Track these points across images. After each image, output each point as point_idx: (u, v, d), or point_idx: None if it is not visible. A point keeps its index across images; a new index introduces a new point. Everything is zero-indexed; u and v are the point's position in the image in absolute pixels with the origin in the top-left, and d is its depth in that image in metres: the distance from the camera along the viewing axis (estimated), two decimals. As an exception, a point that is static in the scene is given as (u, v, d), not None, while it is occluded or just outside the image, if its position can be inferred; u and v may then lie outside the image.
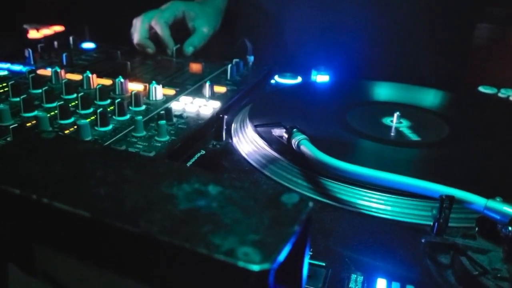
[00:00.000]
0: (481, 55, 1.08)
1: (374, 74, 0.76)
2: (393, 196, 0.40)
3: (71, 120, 0.54)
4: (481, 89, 0.69)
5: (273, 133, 0.50)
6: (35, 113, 0.54)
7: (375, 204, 0.41)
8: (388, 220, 0.39)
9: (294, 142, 0.45)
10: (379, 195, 0.41)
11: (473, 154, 0.50)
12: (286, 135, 0.48)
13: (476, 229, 0.35)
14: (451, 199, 0.34)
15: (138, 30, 0.82)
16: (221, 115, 0.54)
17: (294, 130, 0.46)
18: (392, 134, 0.55)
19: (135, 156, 0.24)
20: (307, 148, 0.43)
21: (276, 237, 0.18)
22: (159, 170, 0.22)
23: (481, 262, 0.33)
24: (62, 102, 0.54)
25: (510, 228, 0.32)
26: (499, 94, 0.67)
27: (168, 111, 0.55)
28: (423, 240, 0.35)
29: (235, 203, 0.20)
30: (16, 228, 0.20)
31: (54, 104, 0.57)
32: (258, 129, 0.51)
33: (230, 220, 0.19)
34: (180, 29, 0.85)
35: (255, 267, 0.16)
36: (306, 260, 0.21)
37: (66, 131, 0.51)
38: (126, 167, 0.22)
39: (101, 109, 0.53)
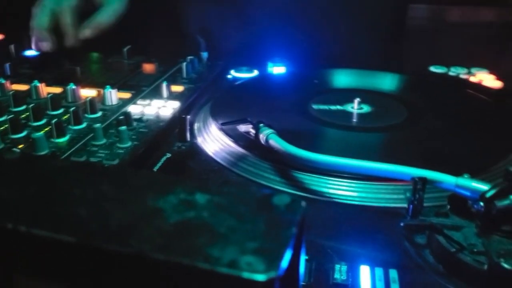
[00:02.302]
0: (424, 36, 1.12)
1: (327, 62, 0.77)
2: (365, 182, 0.41)
3: (24, 133, 0.51)
4: (432, 68, 0.71)
5: (239, 130, 0.50)
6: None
7: (349, 192, 0.41)
8: (363, 207, 0.40)
9: (262, 137, 0.45)
10: (352, 182, 0.41)
11: (434, 133, 0.52)
12: (253, 131, 0.47)
13: (448, 207, 0.36)
14: (423, 180, 0.35)
15: (36, 18, 0.71)
16: (183, 116, 0.52)
17: (261, 125, 0.46)
18: (354, 120, 0.55)
19: (111, 169, 0.22)
20: (276, 142, 0.43)
21: (276, 242, 0.17)
22: (140, 183, 0.21)
23: (457, 239, 0.34)
24: (12, 116, 0.51)
25: (481, 203, 0.33)
26: (450, 73, 0.70)
27: (127, 115, 0.53)
28: (402, 224, 0.35)
29: (226, 210, 0.19)
30: (-9, 261, 0.19)
31: (3, 118, 0.54)
32: (224, 126, 0.50)
33: (225, 229, 0.18)
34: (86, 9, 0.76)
35: (261, 277, 0.16)
36: (303, 258, 0.20)
37: (20, 146, 0.48)
38: (104, 182, 0.21)
39: (56, 119, 0.50)
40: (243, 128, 0.49)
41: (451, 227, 0.35)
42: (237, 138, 0.49)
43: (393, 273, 0.33)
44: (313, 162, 0.40)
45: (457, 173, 0.37)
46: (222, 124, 0.50)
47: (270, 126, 0.46)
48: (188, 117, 0.52)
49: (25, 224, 0.18)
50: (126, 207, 0.19)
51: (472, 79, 0.67)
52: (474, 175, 0.37)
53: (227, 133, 0.49)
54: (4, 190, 0.20)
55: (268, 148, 0.45)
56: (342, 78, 0.68)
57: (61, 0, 0.73)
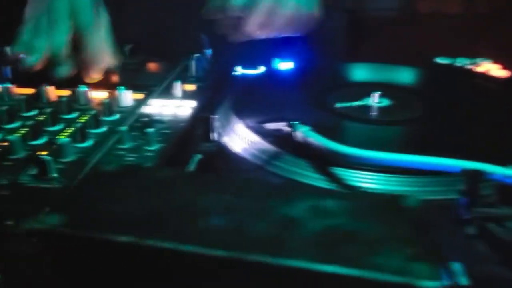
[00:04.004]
0: (416, 28, 1.12)
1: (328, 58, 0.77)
2: (409, 176, 0.41)
3: (44, 139, 0.49)
4: (438, 60, 0.72)
5: (268, 127, 0.49)
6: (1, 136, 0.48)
7: (390, 186, 0.41)
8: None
9: (299, 134, 0.45)
10: (394, 176, 0.42)
11: (458, 125, 0.52)
12: (284, 128, 0.47)
13: (495, 196, 0.37)
14: (479, 172, 0.36)
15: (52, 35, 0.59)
16: (208, 116, 0.51)
17: (296, 122, 0.46)
18: (374, 113, 0.56)
19: (218, 178, 0.22)
20: (316, 139, 0.43)
21: (430, 247, 0.17)
22: (256, 190, 0.20)
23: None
24: (32, 122, 0.49)
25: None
26: (456, 64, 0.71)
27: (151, 117, 0.52)
28: (462, 217, 0.36)
29: (362, 216, 0.19)
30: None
31: (17, 124, 0.51)
32: (254, 125, 0.50)
33: (372, 236, 0.18)
34: None
35: (433, 284, 0.15)
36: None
37: (44, 152, 0.46)
38: (221, 192, 0.20)
39: (79, 124, 0.48)
40: (272, 126, 0.49)
41: (503, 217, 0.36)
42: (268, 135, 0.48)
43: (457, 266, 0.33)
44: (359, 158, 0.40)
45: (495, 163, 0.38)
46: (258, 123, 0.50)
47: (305, 123, 0.46)
48: (214, 116, 0.52)
49: (168, 239, 0.17)
50: (259, 216, 0.19)
51: (479, 69, 0.68)
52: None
53: (258, 132, 0.49)
54: (116, 205, 0.19)
55: (304, 145, 0.44)
56: (358, 72, 0.68)
57: (82, 15, 0.59)
